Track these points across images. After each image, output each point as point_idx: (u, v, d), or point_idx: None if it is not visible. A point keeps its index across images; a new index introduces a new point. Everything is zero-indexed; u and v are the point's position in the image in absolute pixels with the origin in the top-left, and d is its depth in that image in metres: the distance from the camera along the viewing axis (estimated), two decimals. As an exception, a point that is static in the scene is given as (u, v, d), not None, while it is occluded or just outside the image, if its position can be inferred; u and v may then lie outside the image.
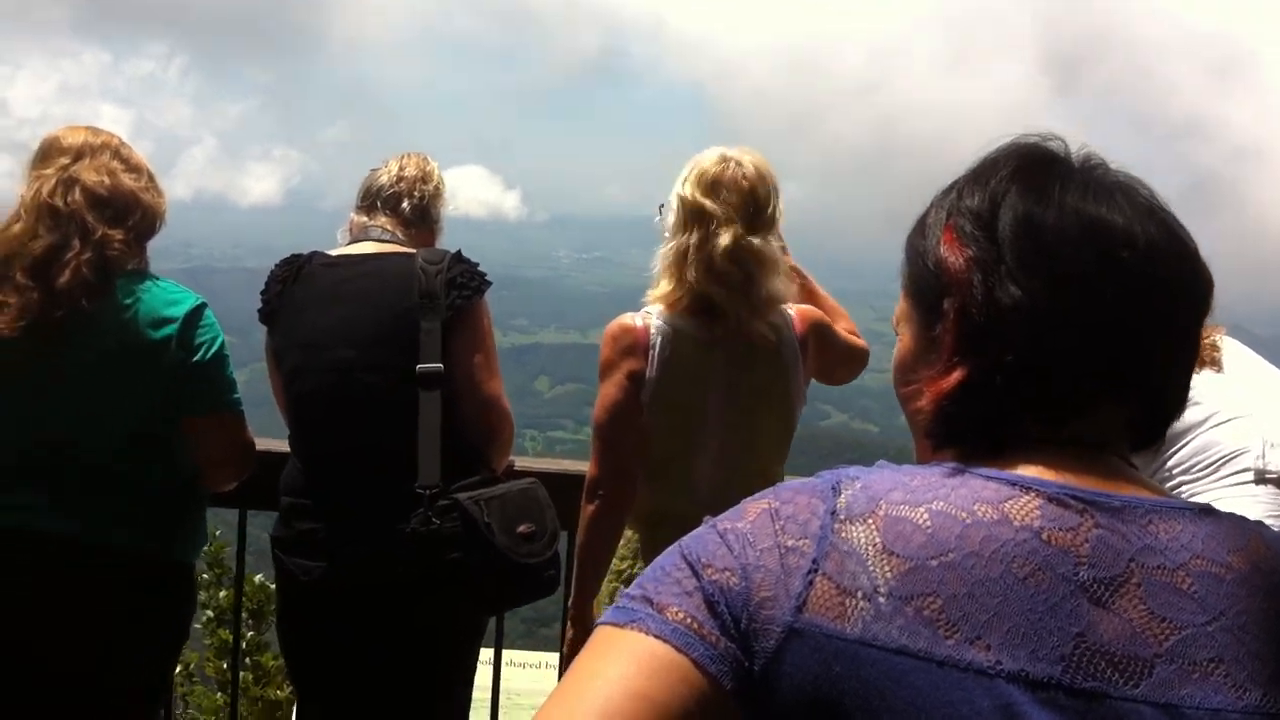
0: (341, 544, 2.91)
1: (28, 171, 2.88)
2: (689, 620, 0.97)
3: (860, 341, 3.26)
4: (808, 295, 3.29)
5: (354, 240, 3.17)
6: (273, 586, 4.16)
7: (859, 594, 0.96)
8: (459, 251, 3.04)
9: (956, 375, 1.06)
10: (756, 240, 2.92)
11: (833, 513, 1.01)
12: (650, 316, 2.97)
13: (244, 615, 4.73)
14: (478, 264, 3.04)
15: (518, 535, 2.83)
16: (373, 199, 3.23)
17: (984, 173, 1.13)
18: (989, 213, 1.08)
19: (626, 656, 0.96)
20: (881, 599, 0.95)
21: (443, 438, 2.89)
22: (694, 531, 1.07)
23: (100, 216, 2.78)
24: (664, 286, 2.99)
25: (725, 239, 2.89)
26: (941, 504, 0.99)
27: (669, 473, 2.98)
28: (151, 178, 2.94)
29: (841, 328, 3.21)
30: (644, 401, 2.93)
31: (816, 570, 0.98)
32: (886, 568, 0.96)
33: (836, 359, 3.18)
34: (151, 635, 2.90)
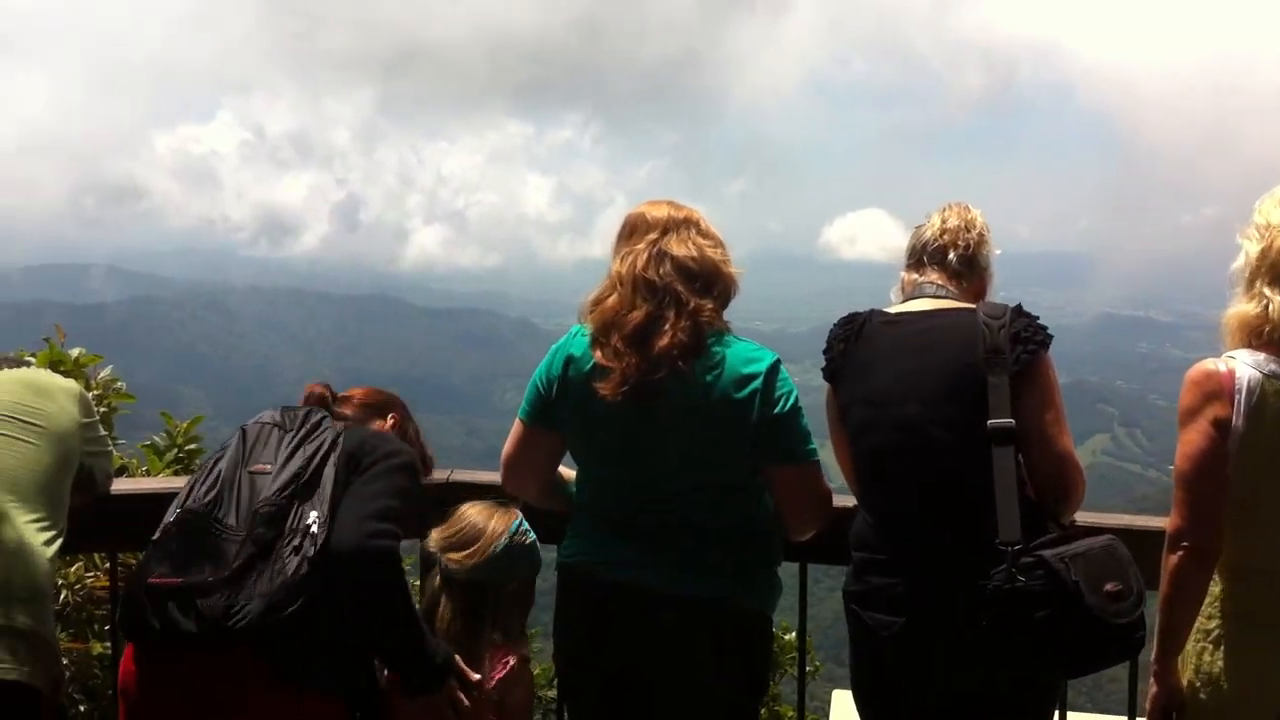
0: (920, 600, 2.92)
1: (615, 246, 3.11)
2: None
3: None
4: None
5: (908, 298, 3.20)
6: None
7: None
8: (1019, 305, 3.01)
9: None
10: None
11: None
12: (1234, 361, 2.83)
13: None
14: (1038, 317, 3.01)
15: (1105, 594, 2.74)
16: (919, 255, 3.26)
17: None
18: None
19: None
20: None
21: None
22: None
23: (691, 288, 2.97)
24: (1244, 328, 2.86)
25: None
26: None
27: (1260, 523, 2.83)
28: (725, 250, 3.10)
29: None
30: (1230, 449, 2.79)
31: None
32: None
33: None
34: (735, 683, 3.02)
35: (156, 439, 4.71)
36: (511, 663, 2.99)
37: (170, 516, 2.74)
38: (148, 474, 4.53)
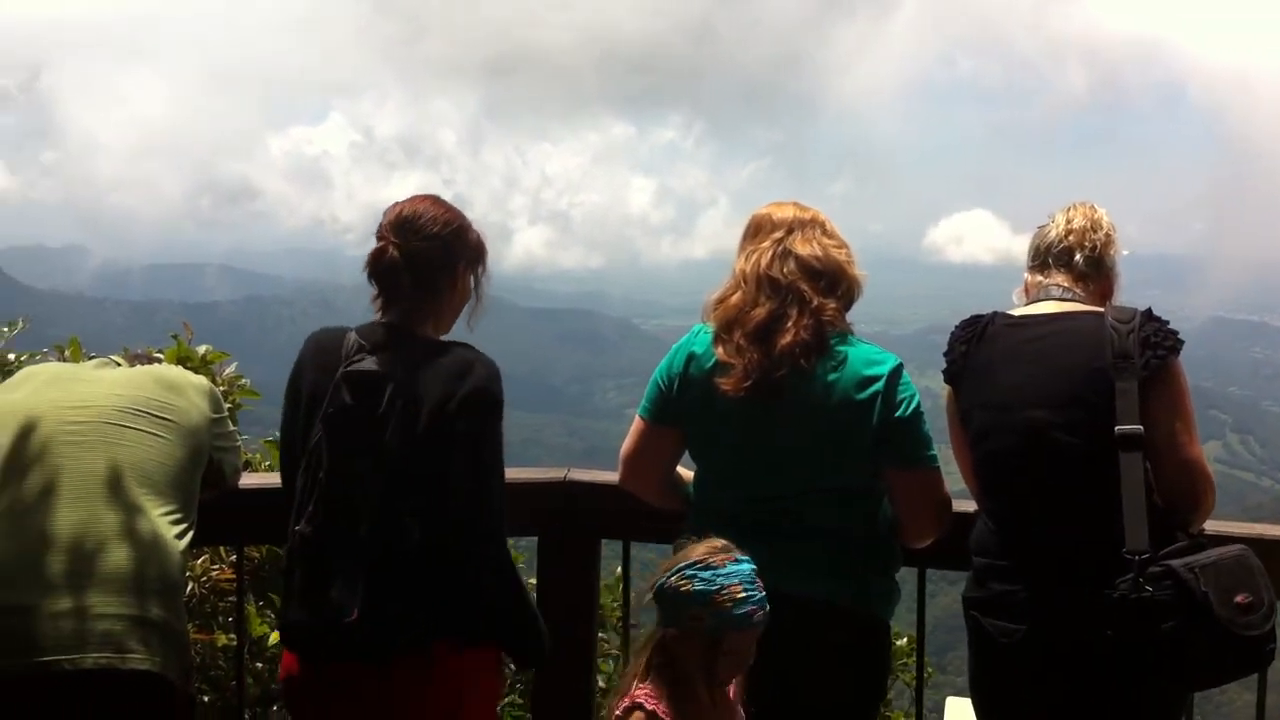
0: (1043, 608, 2.87)
1: (741, 245, 3.12)
2: None
3: None
4: None
5: (1032, 300, 3.15)
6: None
7: None
8: (1149, 309, 2.95)
9: None
10: None
11: None
12: None
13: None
14: (1168, 321, 2.94)
15: (1235, 605, 2.67)
16: (1044, 256, 3.20)
17: None
18: None
19: None
20: None
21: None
22: None
23: (815, 286, 2.97)
24: None
25: None
26: None
27: None
28: (850, 251, 3.09)
29: None
30: None
31: None
32: None
33: None
34: (850, 690, 3.00)
35: (279, 434, 4.79)
36: (618, 712, 2.64)
37: (292, 540, 2.78)
38: (270, 469, 4.62)
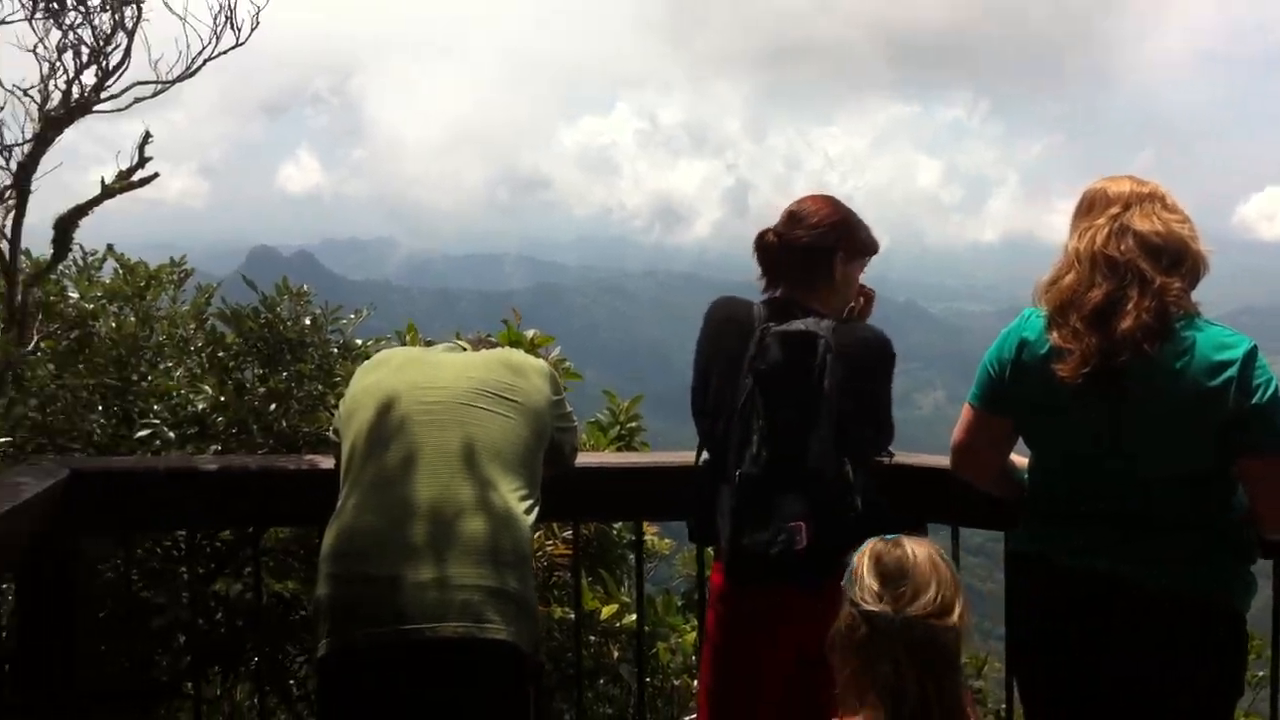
0: None
1: (1072, 222, 3.01)
2: None
3: None
4: None
5: None
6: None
7: None
8: None
9: None
10: None
11: None
12: None
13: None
14: None
15: None
16: None
17: None
18: None
19: None
20: None
21: None
22: None
23: (1156, 264, 2.82)
24: None
25: None
26: None
27: None
28: (1193, 226, 2.93)
29: None
30: None
31: None
32: None
33: None
34: (1201, 681, 2.86)
35: (600, 416, 4.98)
36: None
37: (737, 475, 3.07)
38: (594, 449, 4.78)
